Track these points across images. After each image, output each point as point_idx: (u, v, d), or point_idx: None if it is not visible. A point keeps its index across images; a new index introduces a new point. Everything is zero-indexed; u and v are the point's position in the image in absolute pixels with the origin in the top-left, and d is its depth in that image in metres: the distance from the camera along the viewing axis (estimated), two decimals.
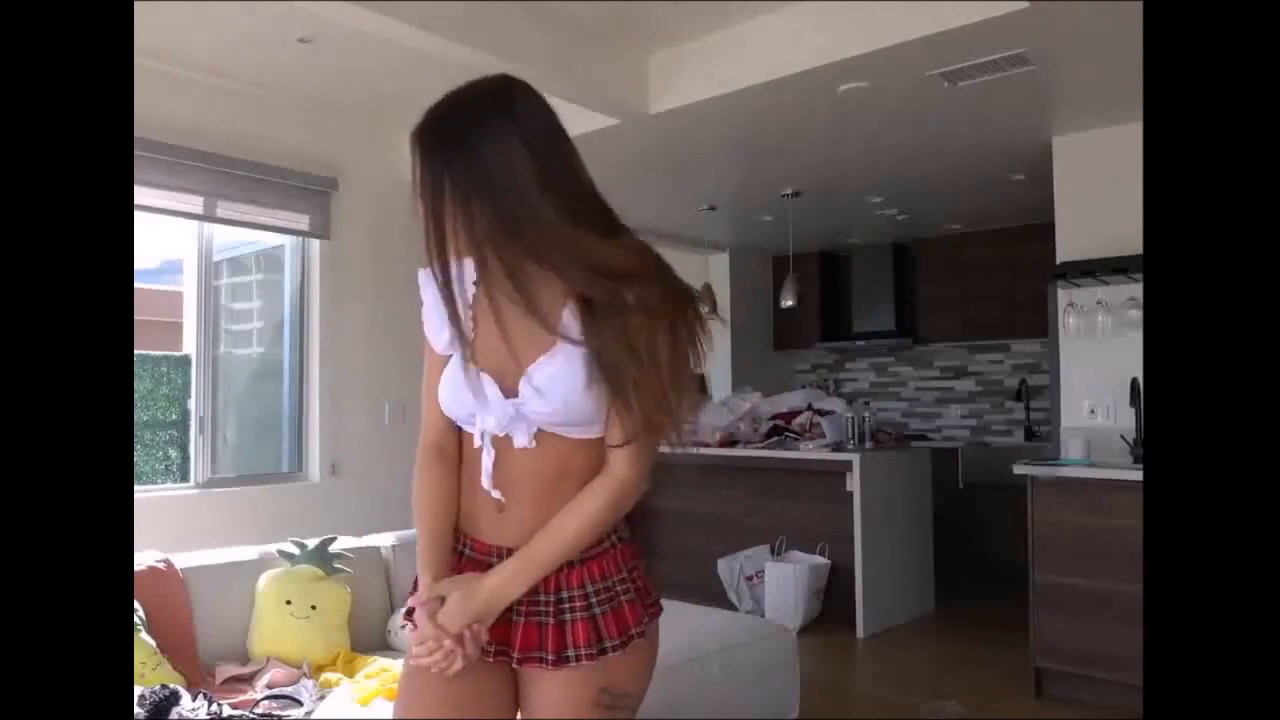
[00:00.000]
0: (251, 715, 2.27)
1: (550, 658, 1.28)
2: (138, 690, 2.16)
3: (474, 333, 1.29)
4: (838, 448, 5.01)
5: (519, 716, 1.38)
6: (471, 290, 1.31)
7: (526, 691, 1.34)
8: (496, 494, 1.29)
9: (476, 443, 1.31)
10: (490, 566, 1.30)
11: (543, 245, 1.21)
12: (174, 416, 4.83)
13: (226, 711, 2.25)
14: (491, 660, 1.31)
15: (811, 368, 8.28)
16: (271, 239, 4.89)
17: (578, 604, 1.29)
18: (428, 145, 1.25)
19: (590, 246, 1.22)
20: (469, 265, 1.29)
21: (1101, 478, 3.72)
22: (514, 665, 1.31)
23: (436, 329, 1.33)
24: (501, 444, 1.29)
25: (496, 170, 1.22)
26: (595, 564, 1.31)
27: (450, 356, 1.31)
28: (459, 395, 1.29)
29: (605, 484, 1.29)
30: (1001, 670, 4.16)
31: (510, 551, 1.29)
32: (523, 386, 1.26)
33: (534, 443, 1.27)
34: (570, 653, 1.27)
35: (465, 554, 1.35)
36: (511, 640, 1.30)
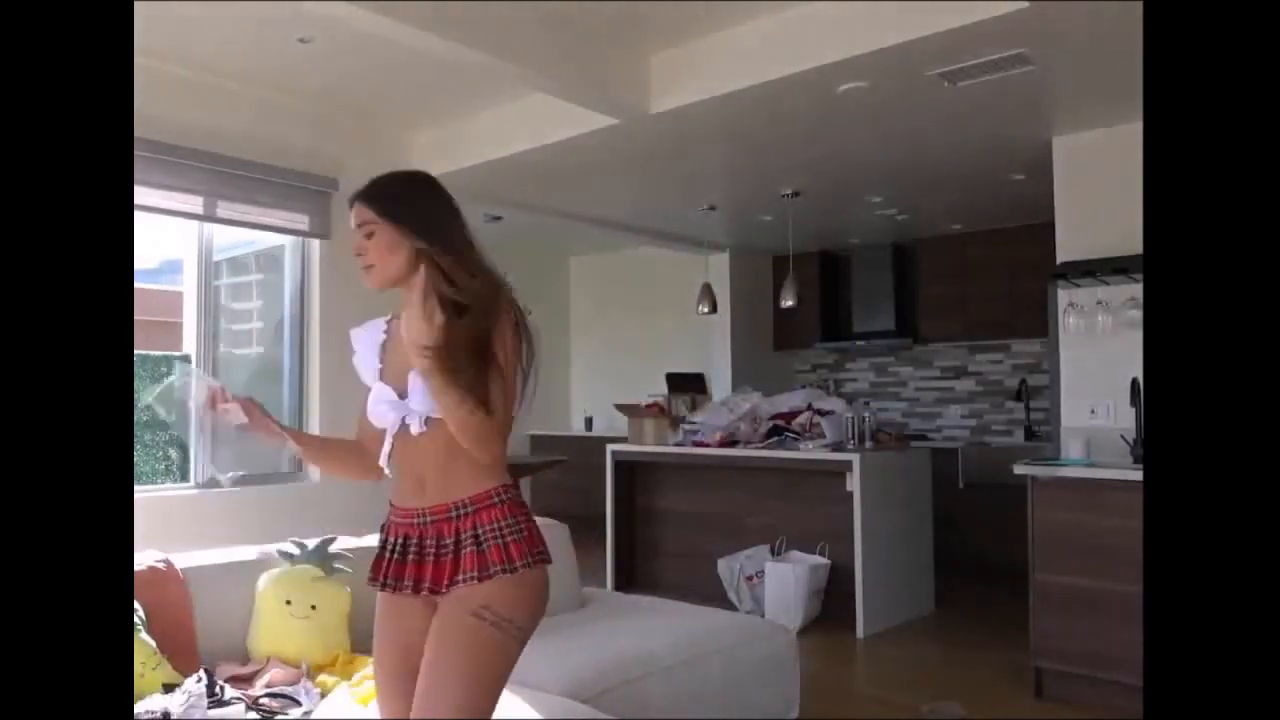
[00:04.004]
0: (250, 695, 2.28)
1: (450, 582, 1.66)
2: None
3: (383, 362, 1.82)
4: (838, 448, 5.01)
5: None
6: (383, 335, 1.84)
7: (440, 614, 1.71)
8: (388, 471, 1.76)
9: (381, 429, 1.78)
10: (412, 526, 1.72)
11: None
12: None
13: (229, 693, 2.26)
14: (423, 594, 1.71)
15: (811, 368, 8.28)
16: (271, 239, 4.89)
17: (469, 541, 1.67)
18: (386, 206, 1.75)
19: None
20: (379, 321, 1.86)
21: (1101, 478, 3.72)
22: (427, 595, 1.69)
23: (369, 368, 1.83)
24: (406, 433, 1.73)
25: (442, 231, 1.74)
26: (484, 513, 1.69)
27: (372, 386, 1.81)
28: (378, 408, 1.78)
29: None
30: (1001, 670, 4.16)
31: (425, 511, 1.71)
32: (410, 388, 1.71)
33: (425, 427, 1.70)
34: (460, 576, 1.65)
35: (397, 522, 1.77)
36: (422, 576, 1.70)
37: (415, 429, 1.71)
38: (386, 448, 1.75)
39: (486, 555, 1.65)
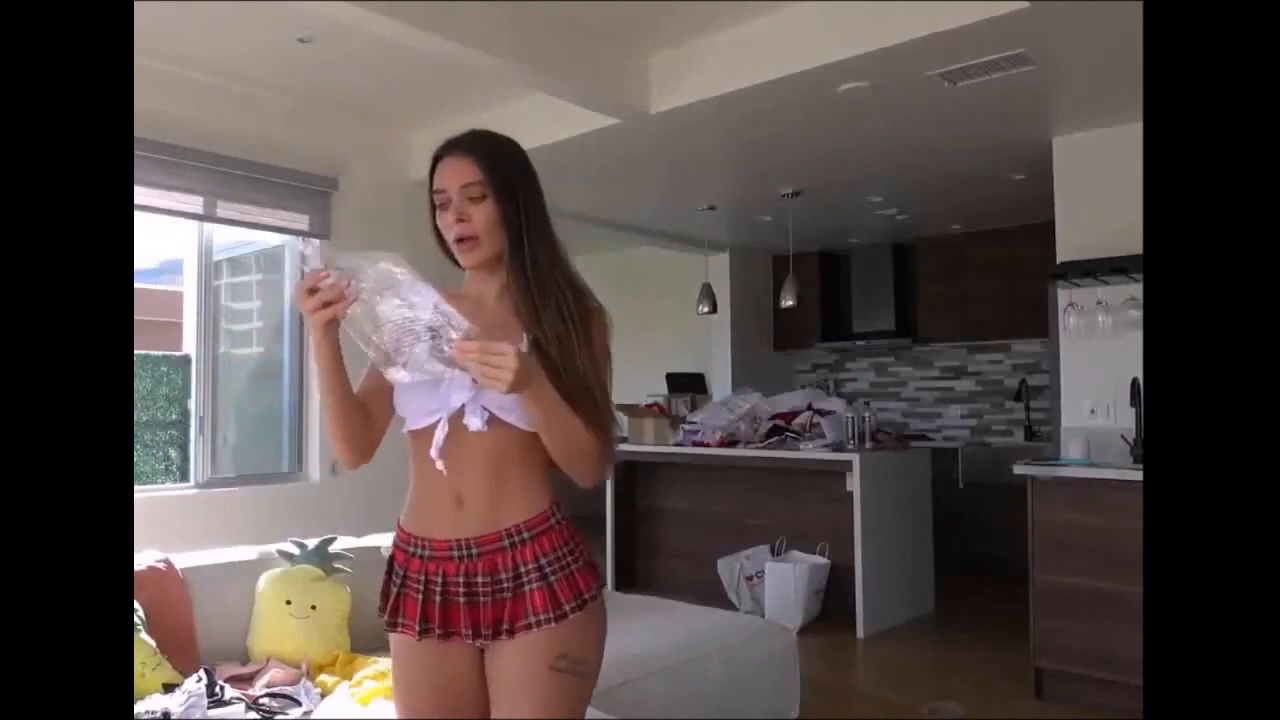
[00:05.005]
0: (251, 695, 2.28)
1: (517, 626, 1.42)
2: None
3: None
4: (838, 448, 5.01)
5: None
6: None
7: (491, 663, 1.47)
8: (440, 465, 1.42)
9: (429, 421, 1.45)
10: (450, 561, 1.44)
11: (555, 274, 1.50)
12: (174, 416, 4.83)
13: (229, 693, 2.26)
14: (470, 643, 1.46)
15: (811, 368, 8.28)
16: (271, 239, 4.89)
17: (533, 575, 1.43)
18: (502, 167, 1.50)
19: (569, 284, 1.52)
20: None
21: (1101, 478, 3.72)
22: (483, 642, 1.45)
23: None
24: (456, 430, 1.43)
25: (543, 209, 1.53)
26: (545, 538, 1.45)
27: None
28: (415, 392, 1.44)
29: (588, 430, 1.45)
30: (1001, 670, 4.16)
31: (469, 542, 1.44)
32: None
33: (486, 427, 1.42)
34: (531, 619, 1.42)
35: (424, 555, 1.47)
36: (481, 621, 1.44)
37: (476, 424, 1.41)
38: (440, 437, 1.42)
39: (556, 591, 1.42)
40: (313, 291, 1.34)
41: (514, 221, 1.47)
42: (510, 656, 1.44)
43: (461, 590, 1.44)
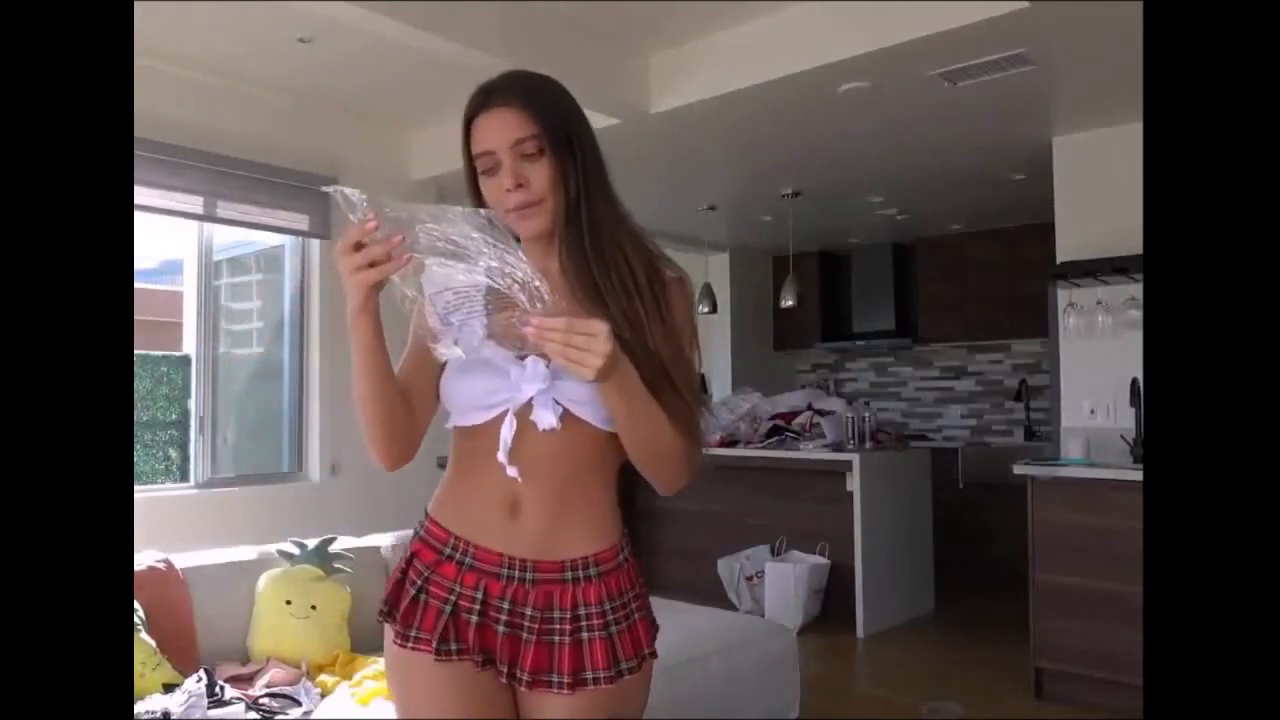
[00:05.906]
0: (251, 695, 2.28)
1: (566, 680, 1.19)
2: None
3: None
4: (838, 448, 5.01)
5: None
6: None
7: (525, 712, 1.27)
8: (513, 471, 1.19)
9: (487, 416, 1.22)
10: (499, 577, 1.22)
11: (619, 239, 1.27)
12: (174, 416, 4.83)
13: (229, 693, 2.27)
14: (504, 680, 1.23)
15: (811, 368, 8.28)
16: (271, 239, 4.89)
17: (595, 622, 1.21)
18: (556, 113, 1.26)
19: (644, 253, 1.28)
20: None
21: (1101, 478, 3.72)
22: (523, 688, 1.22)
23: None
24: (523, 427, 1.20)
25: (601, 159, 1.29)
26: (613, 578, 1.25)
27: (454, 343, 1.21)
28: (473, 378, 1.22)
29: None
30: (1001, 670, 4.15)
31: (524, 563, 1.22)
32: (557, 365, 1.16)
33: (560, 424, 1.19)
34: (588, 675, 1.20)
35: (463, 561, 1.23)
36: (520, 660, 1.21)
37: (549, 421, 1.19)
38: (508, 436, 1.18)
39: (616, 646, 1.21)
40: (358, 248, 1.11)
41: (572, 178, 1.24)
42: (552, 713, 1.22)
43: (504, 617, 1.21)
